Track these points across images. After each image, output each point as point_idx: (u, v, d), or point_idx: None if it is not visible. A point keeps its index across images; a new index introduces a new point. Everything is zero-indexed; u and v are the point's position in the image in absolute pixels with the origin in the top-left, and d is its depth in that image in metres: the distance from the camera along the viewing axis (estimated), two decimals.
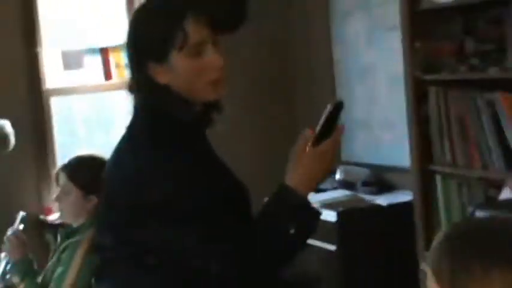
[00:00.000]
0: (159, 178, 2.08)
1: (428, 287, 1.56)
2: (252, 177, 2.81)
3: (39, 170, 4.83)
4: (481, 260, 1.49)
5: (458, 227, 1.68)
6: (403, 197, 4.15)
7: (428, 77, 3.74)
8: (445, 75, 3.68)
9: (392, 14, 4.15)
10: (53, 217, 4.60)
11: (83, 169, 3.38)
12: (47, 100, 4.90)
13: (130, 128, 2.20)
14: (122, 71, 4.90)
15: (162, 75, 2.11)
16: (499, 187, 3.44)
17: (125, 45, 2.18)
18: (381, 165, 4.41)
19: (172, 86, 2.11)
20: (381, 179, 4.49)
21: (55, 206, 3.54)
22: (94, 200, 3.30)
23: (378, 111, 4.48)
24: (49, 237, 3.39)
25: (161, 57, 2.10)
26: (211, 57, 2.10)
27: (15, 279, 3.37)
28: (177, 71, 2.10)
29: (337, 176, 4.73)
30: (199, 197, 2.08)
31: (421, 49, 3.75)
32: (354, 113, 4.83)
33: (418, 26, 3.76)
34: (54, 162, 4.78)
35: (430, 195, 3.82)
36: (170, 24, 2.09)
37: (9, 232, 3.41)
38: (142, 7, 2.20)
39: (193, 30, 2.07)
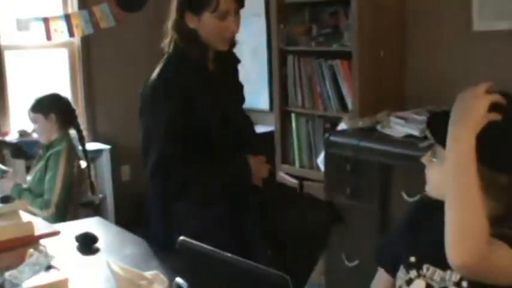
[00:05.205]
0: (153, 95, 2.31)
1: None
2: None
3: None
4: None
5: None
6: (265, 128, 4.43)
7: (289, 48, 4.06)
8: (302, 47, 3.99)
9: (256, 4, 4.53)
10: (9, 138, 4.70)
11: (37, 100, 3.54)
12: (2, 54, 4.88)
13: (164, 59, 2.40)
14: (58, 35, 4.93)
15: (192, 22, 2.33)
16: (332, 122, 3.86)
17: None
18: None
19: (198, 31, 2.33)
20: None
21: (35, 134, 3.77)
22: (53, 117, 3.50)
23: (243, 72, 4.71)
24: (6, 152, 3.58)
25: (197, 12, 2.31)
26: (230, 23, 2.33)
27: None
28: (204, 24, 2.32)
29: None
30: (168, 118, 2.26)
31: (283, 29, 4.06)
32: None
33: (281, 13, 4.07)
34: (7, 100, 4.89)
35: (286, 128, 4.20)
36: None
37: None
38: None
39: (223, 2, 2.29)
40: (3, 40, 4.89)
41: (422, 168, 3.06)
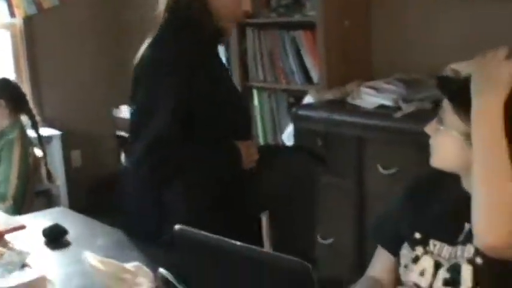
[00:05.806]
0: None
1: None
2: None
3: None
4: None
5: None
6: None
7: (248, 21, 3.83)
8: (261, 20, 3.85)
9: None
10: None
11: None
12: None
13: (160, 29, 2.22)
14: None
15: None
16: (297, 96, 3.77)
17: None
18: None
19: (211, 3, 2.18)
20: None
21: None
22: (2, 103, 3.33)
23: None
24: None
25: None
26: (246, 2, 2.25)
27: None
28: None
29: None
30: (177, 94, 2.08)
31: None
32: None
33: None
34: None
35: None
36: None
37: None
38: None
39: None
40: None
41: (397, 139, 3.03)
